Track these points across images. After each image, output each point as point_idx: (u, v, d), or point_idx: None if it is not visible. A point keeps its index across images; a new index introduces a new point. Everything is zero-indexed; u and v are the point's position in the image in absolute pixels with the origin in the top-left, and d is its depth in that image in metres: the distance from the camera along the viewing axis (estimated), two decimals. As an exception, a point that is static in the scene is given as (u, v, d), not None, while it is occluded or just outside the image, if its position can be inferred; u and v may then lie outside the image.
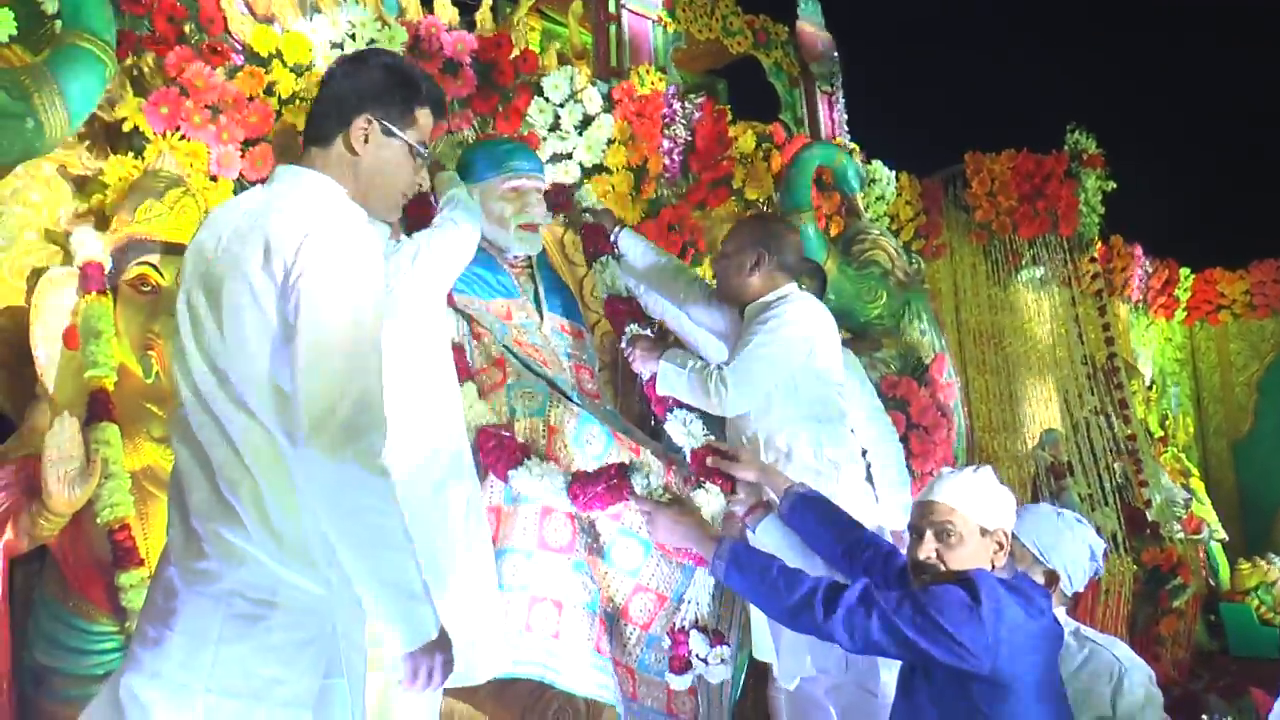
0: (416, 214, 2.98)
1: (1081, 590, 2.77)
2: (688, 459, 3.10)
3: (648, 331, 3.32)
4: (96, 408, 2.65)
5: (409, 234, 2.95)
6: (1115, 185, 5.99)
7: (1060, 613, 2.66)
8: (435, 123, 2.11)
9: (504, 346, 3.13)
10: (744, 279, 3.25)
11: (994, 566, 2.37)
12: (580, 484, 2.85)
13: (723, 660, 2.90)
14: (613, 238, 3.55)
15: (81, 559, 2.63)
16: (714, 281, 3.49)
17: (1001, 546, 2.38)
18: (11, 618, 2.64)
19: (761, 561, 2.54)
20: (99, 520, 2.58)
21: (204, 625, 1.77)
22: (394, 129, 2.01)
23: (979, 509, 2.39)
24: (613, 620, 2.94)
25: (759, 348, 3.09)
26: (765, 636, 3.23)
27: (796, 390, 3.16)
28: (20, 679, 2.63)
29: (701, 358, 3.27)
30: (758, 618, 3.18)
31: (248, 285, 1.81)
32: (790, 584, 2.43)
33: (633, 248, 3.56)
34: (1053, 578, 2.66)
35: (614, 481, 2.86)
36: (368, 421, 1.79)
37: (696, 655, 2.88)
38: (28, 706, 2.63)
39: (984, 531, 2.38)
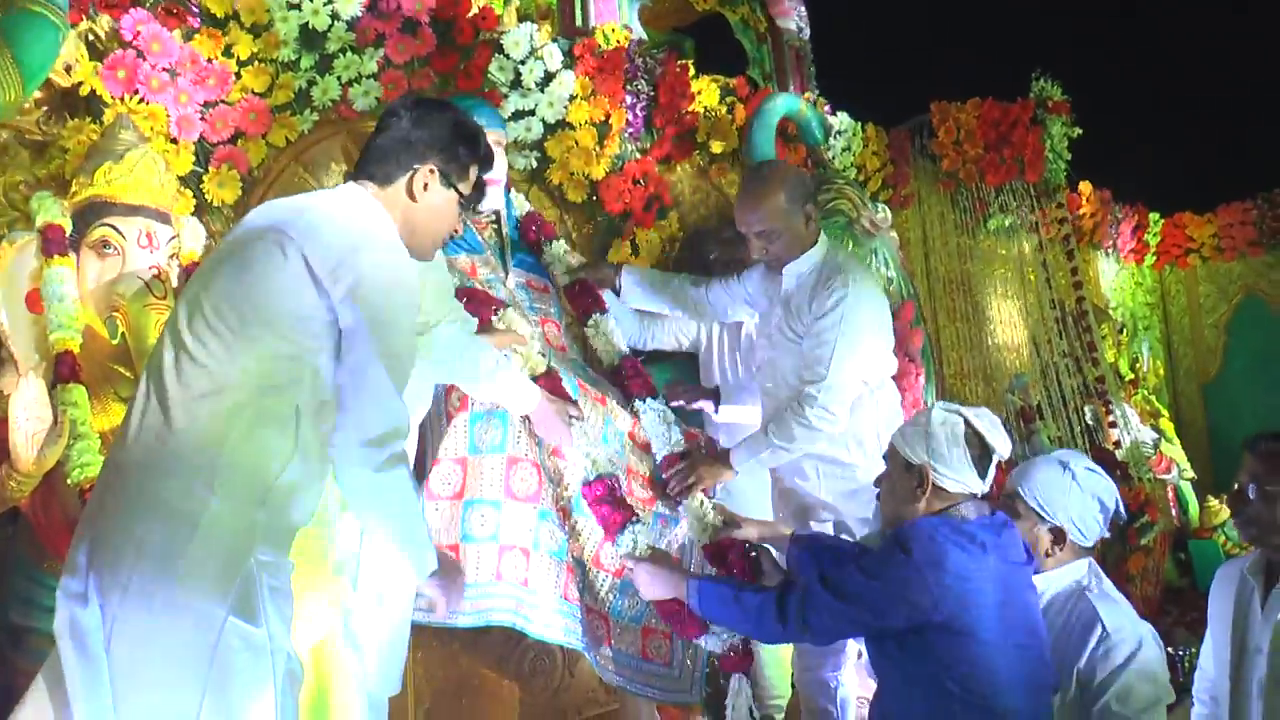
0: None
1: (1105, 536, 2.74)
2: (658, 459, 3.18)
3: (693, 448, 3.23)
4: (63, 370, 2.66)
5: None
6: (1081, 132, 6.03)
7: (1080, 565, 2.64)
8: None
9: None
10: (801, 245, 3.19)
11: (913, 508, 2.40)
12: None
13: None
14: (618, 283, 3.57)
15: (54, 520, 2.65)
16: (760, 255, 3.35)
17: (921, 484, 2.39)
18: (-13, 578, 2.68)
19: (725, 591, 2.60)
20: (69, 481, 2.59)
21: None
22: (453, 180, 2.23)
23: (903, 444, 2.44)
24: (583, 568, 3.00)
25: (841, 350, 3.02)
26: None
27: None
28: (-2, 639, 2.67)
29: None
30: None
31: (284, 257, 1.99)
32: (751, 602, 2.50)
33: (635, 278, 3.60)
34: (1060, 533, 2.64)
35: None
36: (396, 432, 2.10)
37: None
38: (7, 666, 2.66)
39: (908, 466, 2.42)
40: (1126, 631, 2.50)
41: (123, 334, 2.74)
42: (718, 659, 2.93)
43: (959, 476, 2.37)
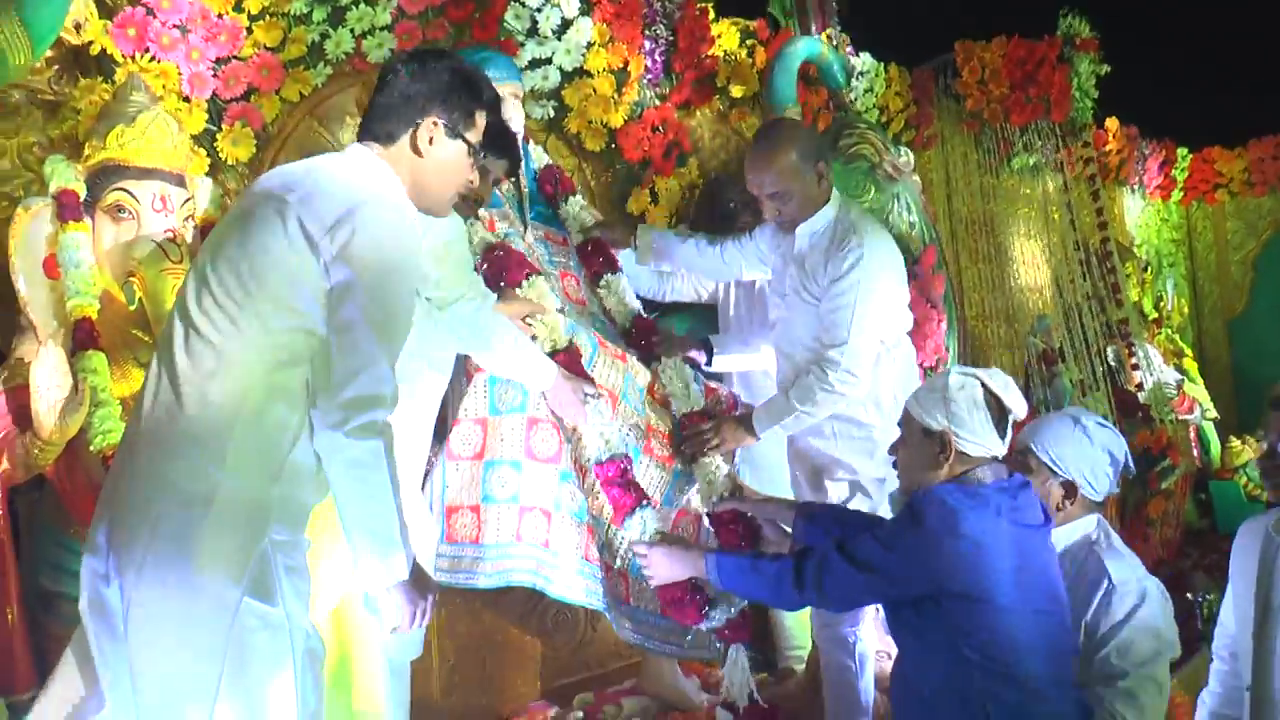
0: None
1: (1114, 492, 2.72)
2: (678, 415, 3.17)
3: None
4: (82, 336, 2.67)
5: None
6: (1109, 69, 5.88)
7: (1089, 520, 2.63)
8: (494, 120, 2.26)
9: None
10: (817, 201, 3.11)
11: (936, 474, 2.37)
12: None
13: None
14: (633, 243, 3.51)
15: (78, 486, 2.67)
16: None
17: (944, 449, 2.36)
18: (16, 544, 2.69)
19: (742, 561, 2.58)
20: (92, 448, 2.61)
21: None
22: (458, 130, 2.15)
23: (920, 410, 2.41)
24: (602, 527, 2.99)
25: (860, 312, 2.97)
26: None
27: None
28: (30, 604, 2.69)
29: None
30: None
31: (281, 222, 1.94)
32: (769, 570, 2.48)
33: (650, 238, 3.54)
34: (1072, 488, 2.62)
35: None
36: (378, 397, 1.96)
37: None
38: (39, 631, 2.70)
39: (927, 432, 2.39)
40: (1131, 585, 2.49)
41: (140, 299, 2.73)
42: (714, 630, 2.93)
43: (981, 439, 2.34)
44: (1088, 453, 2.62)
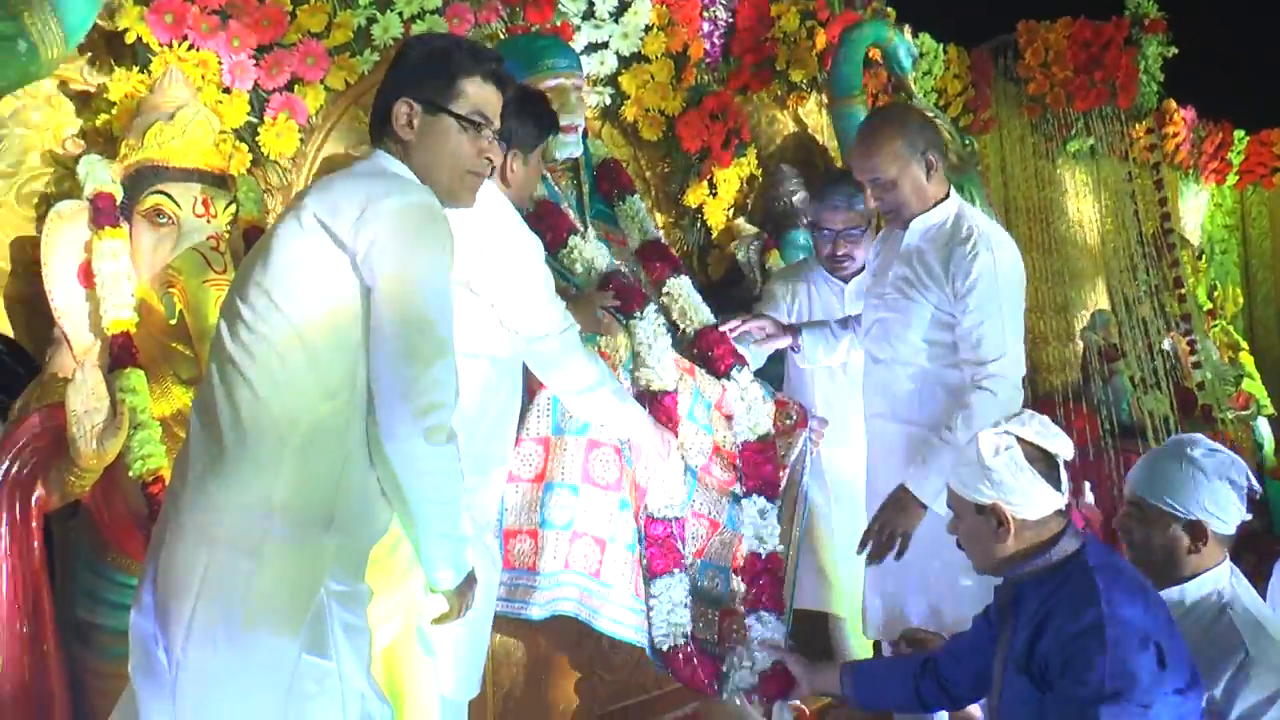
0: None
1: (1245, 520, 2.45)
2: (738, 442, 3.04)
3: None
4: (119, 353, 2.51)
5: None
6: (1176, 51, 5.64)
7: (1220, 572, 2.37)
8: (497, 91, 2.06)
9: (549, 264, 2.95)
10: (924, 198, 2.88)
11: (1003, 546, 2.19)
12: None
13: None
14: (797, 344, 3.33)
15: (117, 513, 2.51)
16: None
17: (1001, 523, 2.16)
18: (51, 574, 2.54)
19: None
20: (131, 473, 2.46)
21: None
22: (437, 104, 1.99)
23: (963, 488, 2.22)
24: None
25: (1006, 314, 2.75)
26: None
27: None
28: (65, 636, 2.54)
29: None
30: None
31: (300, 226, 1.84)
32: None
33: (814, 335, 3.34)
34: (1199, 528, 2.38)
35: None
36: (440, 399, 1.86)
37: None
38: (76, 664, 2.56)
39: (979, 509, 2.20)
40: (1275, 659, 2.25)
41: (180, 311, 2.55)
42: (756, 688, 2.85)
43: (1037, 501, 2.15)
44: (1205, 486, 2.37)
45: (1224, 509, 2.38)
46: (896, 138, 2.86)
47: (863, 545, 2.80)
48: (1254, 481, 2.47)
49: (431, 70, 2.01)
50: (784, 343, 3.31)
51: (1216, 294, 7.33)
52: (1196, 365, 5.73)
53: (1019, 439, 2.17)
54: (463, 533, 2.00)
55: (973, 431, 2.66)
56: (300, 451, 1.81)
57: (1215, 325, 6.99)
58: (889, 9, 5.14)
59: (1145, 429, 5.15)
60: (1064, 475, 2.21)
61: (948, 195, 2.91)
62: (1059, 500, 2.19)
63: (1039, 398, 5.28)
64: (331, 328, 1.82)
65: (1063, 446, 2.20)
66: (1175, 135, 6.85)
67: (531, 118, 2.62)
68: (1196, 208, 7.49)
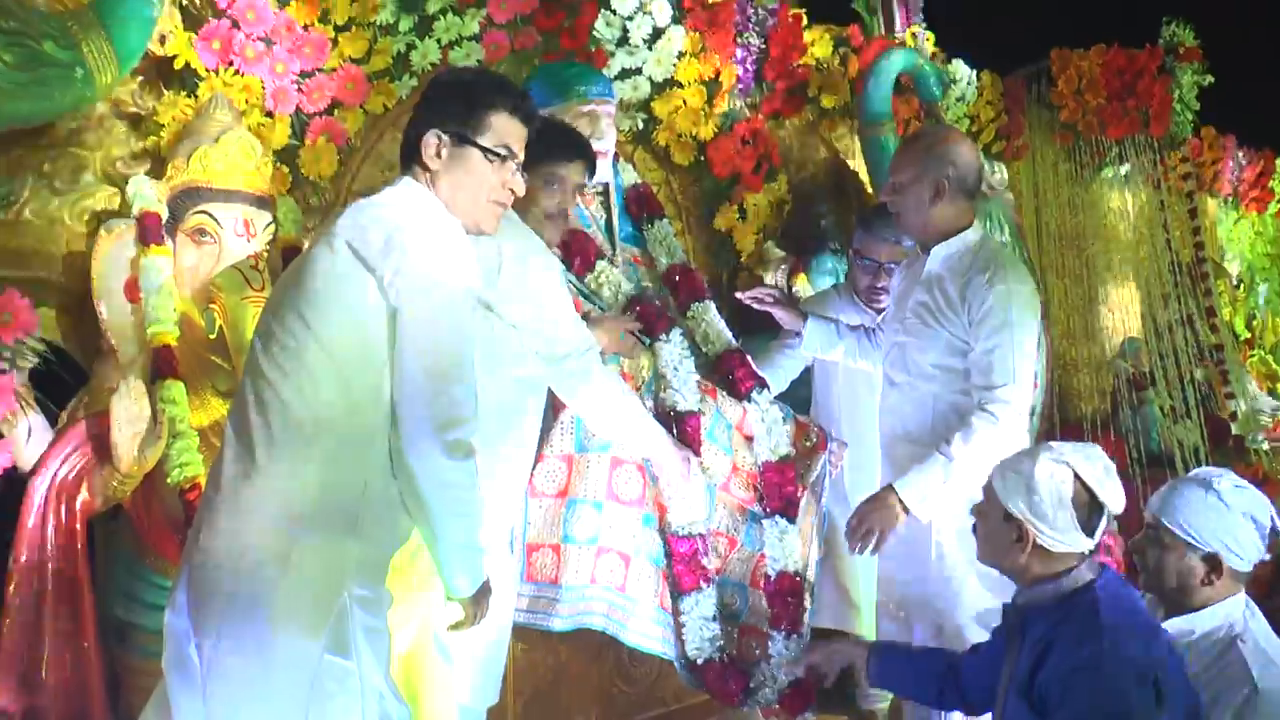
0: None
1: (1264, 558, 2.43)
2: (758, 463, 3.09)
3: None
4: (160, 364, 2.62)
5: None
6: (1212, 80, 5.63)
7: (1234, 603, 2.36)
8: (523, 125, 2.15)
9: (575, 288, 3.03)
10: (926, 213, 2.95)
11: (1013, 559, 2.22)
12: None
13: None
14: (802, 329, 3.38)
15: (155, 518, 2.63)
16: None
17: (1021, 540, 2.19)
18: (92, 574, 2.64)
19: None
20: (169, 480, 2.56)
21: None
22: (464, 135, 2.07)
23: (1002, 489, 2.22)
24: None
25: (1018, 345, 2.80)
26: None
27: None
28: (104, 634, 2.65)
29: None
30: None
31: (331, 250, 1.94)
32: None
33: (819, 329, 3.39)
34: (1215, 561, 2.37)
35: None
36: (460, 416, 1.96)
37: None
38: (114, 662, 2.67)
39: (1006, 516, 2.21)
40: None
41: (220, 327, 2.66)
42: (777, 702, 2.92)
43: (1063, 539, 2.16)
44: (1227, 520, 2.35)
45: (1243, 546, 2.35)
46: (921, 151, 2.98)
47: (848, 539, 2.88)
48: (1279, 523, 2.47)
49: (460, 103, 2.09)
50: (789, 317, 3.39)
51: (1255, 323, 7.27)
52: (1230, 395, 5.69)
53: (1076, 474, 2.17)
54: (479, 543, 2.09)
55: (968, 451, 2.74)
56: (326, 463, 1.90)
57: (1254, 355, 6.93)
58: (929, 33, 5.20)
59: (1174, 458, 5.13)
60: (1103, 525, 2.21)
61: (970, 225, 2.97)
62: (1085, 545, 2.19)
63: (1067, 424, 5.27)
64: (358, 347, 1.91)
65: (1114, 498, 2.20)
66: (1214, 163, 6.82)
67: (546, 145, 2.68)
68: (1235, 235, 7.43)
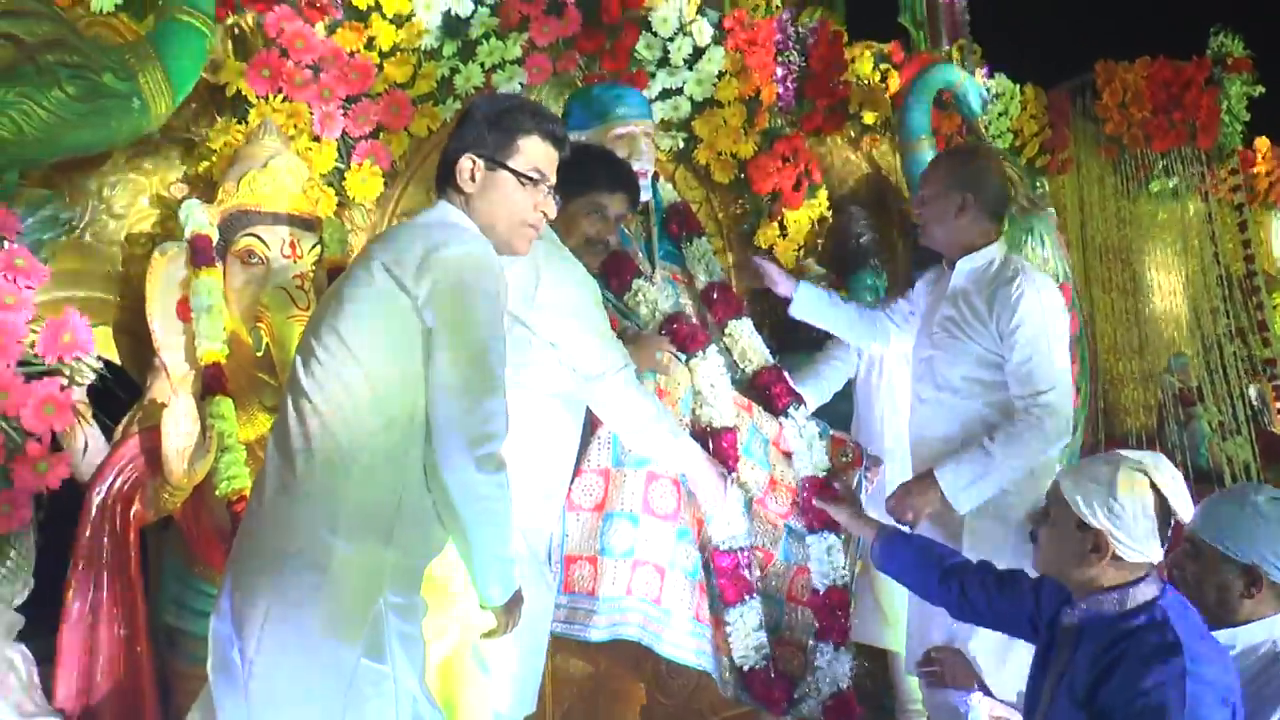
0: None
1: None
2: (799, 477, 3.16)
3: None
4: (210, 381, 2.71)
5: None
6: (1263, 89, 5.56)
7: (1277, 620, 2.35)
8: (555, 150, 2.23)
9: (614, 306, 3.09)
10: (948, 226, 3.04)
11: (1084, 570, 2.20)
12: None
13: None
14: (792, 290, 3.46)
15: (204, 529, 2.71)
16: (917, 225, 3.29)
17: (1099, 550, 2.16)
18: (145, 582, 2.74)
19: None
20: (218, 492, 2.65)
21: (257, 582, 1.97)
22: (499, 160, 2.15)
23: (1079, 499, 2.18)
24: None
25: (1054, 350, 2.87)
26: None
27: None
28: (156, 640, 2.75)
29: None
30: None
31: (368, 272, 2.03)
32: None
33: (812, 295, 3.47)
34: (1255, 574, 2.34)
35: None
36: (492, 431, 2.03)
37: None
38: (164, 666, 2.76)
39: (1082, 525, 2.18)
40: None
41: (267, 344, 2.75)
42: (821, 713, 2.99)
43: (1141, 549, 2.14)
44: (1266, 533, 2.33)
45: None
46: (948, 168, 3.09)
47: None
48: None
49: (494, 129, 2.17)
50: (779, 275, 3.50)
51: (1311, 336, 7.14)
52: (1282, 411, 5.62)
53: (1153, 483, 2.16)
54: (511, 553, 2.16)
55: (1009, 451, 2.77)
56: (363, 477, 1.98)
57: (1308, 368, 6.81)
58: (976, 46, 5.21)
59: (1223, 474, 5.07)
60: (1169, 534, 2.20)
61: (994, 240, 3.02)
62: (1158, 555, 2.18)
63: (1112, 439, 5.23)
64: (394, 365, 1.99)
65: (1184, 509, 2.19)
66: (1269, 173, 6.72)
67: (583, 169, 2.75)
68: (1294, 248, 7.31)
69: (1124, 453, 2.26)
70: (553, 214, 2.25)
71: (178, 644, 2.76)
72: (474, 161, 2.15)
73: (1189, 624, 2.13)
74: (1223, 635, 2.32)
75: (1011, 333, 2.87)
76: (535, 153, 2.19)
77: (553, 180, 2.22)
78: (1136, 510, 2.13)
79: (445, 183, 2.20)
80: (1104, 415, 5.36)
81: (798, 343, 3.88)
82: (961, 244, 3.03)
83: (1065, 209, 5.56)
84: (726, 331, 3.32)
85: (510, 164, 2.16)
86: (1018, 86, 5.16)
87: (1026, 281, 2.90)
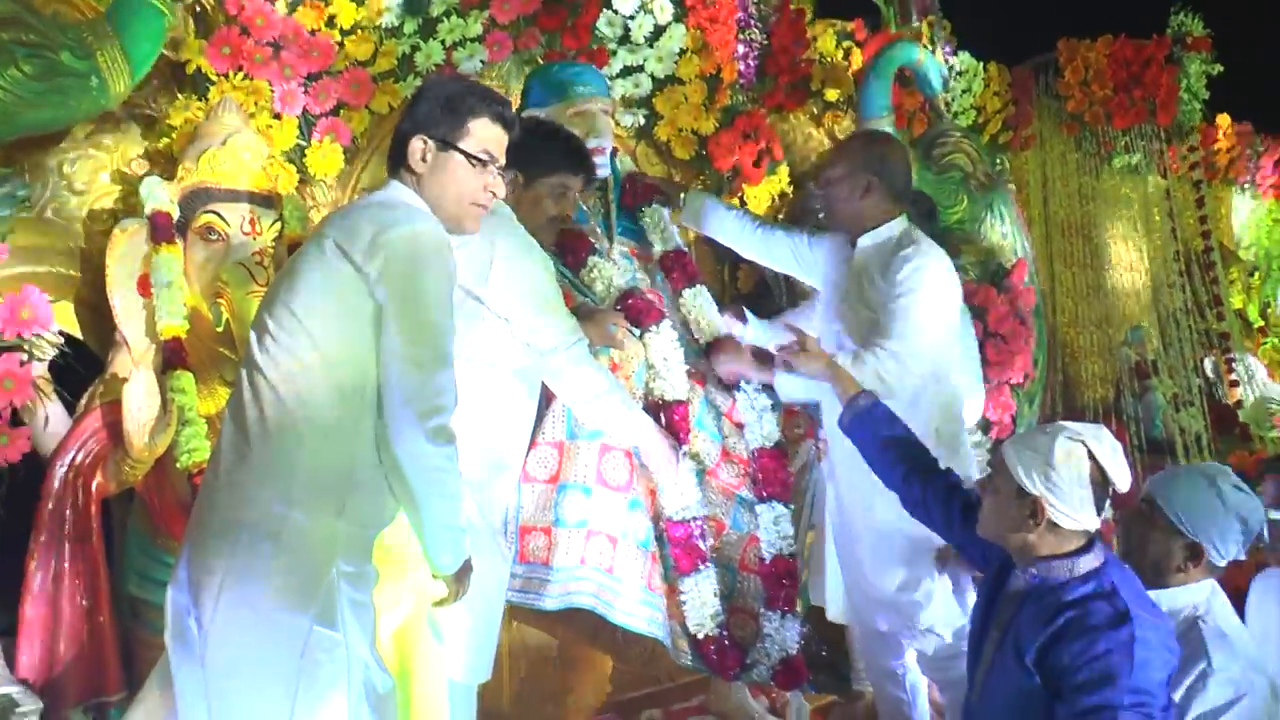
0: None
1: (1239, 559, 2.51)
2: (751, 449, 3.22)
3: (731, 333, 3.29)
4: (170, 356, 2.75)
5: None
6: (1221, 69, 5.64)
7: (1202, 588, 2.46)
8: (504, 132, 2.27)
9: (568, 281, 3.13)
10: (854, 206, 3.12)
11: (1022, 535, 2.27)
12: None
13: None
14: (681, 203, 3.51)
15: (166, 500, 2.76)
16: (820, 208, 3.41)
17: (1035, 516, 2.22)
18: (108, 553, 2.79)
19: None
20: (179, 465, 2.70)
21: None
22: (448, 141, 2.19)
23: (1019, 466, 2.25)
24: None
25: (915, 312, 2.94)
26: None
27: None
28: (119, 609, 2.80)
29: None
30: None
31: (321, 250, 2.07)
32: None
33: (699, 204, 3.50)
34: (1197, 551, 2.44)
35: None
36: (442, 404, 2.07)
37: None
38: (127, 636, 2.81)
39: (1020, 493, 2.25)
40: (1234, 674, 2.32)
41: (227, 320, 2.80)
42: (771, 679, 3.06)
43: (1076, 515, 2.21)
44: (1222, 519, 2.44)
45: (1227, 544, 2.43)
46: (850, 154, 3.19)
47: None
48: (1266, 533, 2.54)
49: (445, 111, 2.21)
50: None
51: (1270, 311, 7.26)
52: (1235, 384, 5.73)
53: (1090, 453, 2.22)
54: (461, 522, 2.20)
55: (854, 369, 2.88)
56: (316, 448, 2.02)
57: (1267, 343, 6.93)
58: (946, 21, 5.24)
59: (1175, 446, 5.19)
60: (1107, 504, 2.27)
61: (895, 218, 3.13)
62: (1094, 524, 2.25)
63: (1072, 411, 5.34)
64: (346, 340, 2.03)
65: (1122, 478, 2.25)
66: (1229, 150, 6.82)
67: (550, 152, 2.82)
68: (1253, 223, 7.42)
69: (1065, 424, 2.32)
70: (501, 194, 2.30)
71: (141, 614, 2.80)
72: (425, 143, 2.19)
73: (1133, 592, 2.20)
74: (1151, 595, 2.42)
75: (892, 291, 2.98)
76: (485, 134, 2.23)
77: (502, 161, 2.27)
78: (1072, 479, 2.20)
79: (397, 163, 2.23)
80: (1063, 388, 5.47)
81: (757, 316, 3.93)
82: (864, 224, 3.13)
83: (1028, 185, 5.65)
84: (682, 300, 3.37)
85: (461, 145, 2.20)
86: (981, 64, 5.21)
87: (918, 254, 3.00)
